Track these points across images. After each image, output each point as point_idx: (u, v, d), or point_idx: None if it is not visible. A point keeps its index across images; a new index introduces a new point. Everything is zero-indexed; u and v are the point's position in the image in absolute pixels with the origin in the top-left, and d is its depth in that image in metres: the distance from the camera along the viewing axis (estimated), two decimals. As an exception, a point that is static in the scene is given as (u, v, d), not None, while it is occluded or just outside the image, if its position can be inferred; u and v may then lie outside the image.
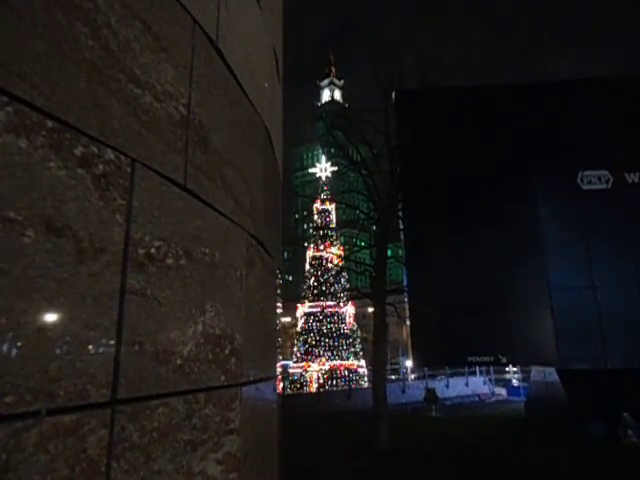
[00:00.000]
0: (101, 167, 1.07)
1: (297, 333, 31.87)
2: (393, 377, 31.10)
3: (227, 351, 1.52)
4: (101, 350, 1.01)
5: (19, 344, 0.85)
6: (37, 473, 0.85)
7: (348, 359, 29.58)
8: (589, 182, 15.37)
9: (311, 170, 36.20)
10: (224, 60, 1.70)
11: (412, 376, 33.19)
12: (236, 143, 1.76)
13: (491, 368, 33.26)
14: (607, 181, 15.31)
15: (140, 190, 1.18)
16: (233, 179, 1.69)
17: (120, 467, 1.03)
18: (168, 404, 1.21)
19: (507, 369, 33.63)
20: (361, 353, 30.87)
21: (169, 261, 1.27)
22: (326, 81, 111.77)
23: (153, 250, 1.21)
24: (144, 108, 1.24)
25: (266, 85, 2.29)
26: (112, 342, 1.04)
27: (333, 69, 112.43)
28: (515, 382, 31.56)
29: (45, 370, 0.89)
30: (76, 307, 0.97)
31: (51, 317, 0.91)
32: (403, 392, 27.79)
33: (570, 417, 14.17)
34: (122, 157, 1.13)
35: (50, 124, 0.96)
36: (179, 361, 1.27)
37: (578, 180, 15.38)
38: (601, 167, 15.35)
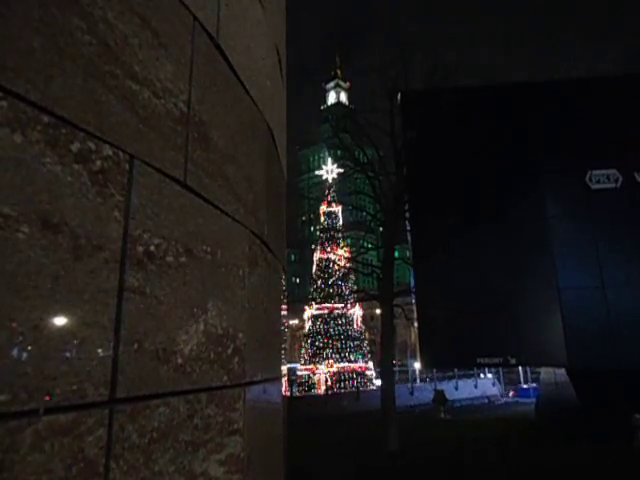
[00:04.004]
0: (98, 163, 1.05)
1: (304, 335, 31.87)
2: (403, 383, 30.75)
3: (230, 351, 1.50)
4: (99, 348, 1.00)
5: (14, 341, 0.83)
6: (33, 473, 0.84)
7: (356, 361, 29.51)
8: (598, 181, 15.23)
9: (317, 172, 36.25)
10: (225, 57, 1.69)
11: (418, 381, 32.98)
12: (238, 141, 1.74)
13: (500, 370, 33.05)
14: (616, 180, 15.16)
15: (139, 187, 1.17)
16: (235, 177, 1.67)
17: (119, 467, 1.01)
18: (169, 404, 1.19)
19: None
20: (369, 355, 30.79)
21: (169, 259, 1.25)
22: (332, 83, 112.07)
23: (152, 248, 1.19)
24: (143, 104, 1.22)
25: (269, 83, 2.28)
26: (110, 340, 1.03)
27: (339, 71, 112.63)
28: (524, 385, 31.31)
29: (41, 368, 0.87)
30: (73, 304, 0.95)
31: (47, 314, 0.90)
32: (412, 394, 27.70)
33: (581, 418, 14.01)
34: (120, 153, 1.12)
35: (46, 119, 0.94)
36: (180, 360, 1.25)
37: (587, 179, 15.24)
38: (610, 166, 15.20)
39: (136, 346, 1.10)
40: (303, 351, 31.01)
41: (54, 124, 0.96)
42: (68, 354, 0.93)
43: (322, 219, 33.84)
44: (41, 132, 0.93)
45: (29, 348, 0.86)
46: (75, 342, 0.95)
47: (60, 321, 0.92)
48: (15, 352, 0.84)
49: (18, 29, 0.91)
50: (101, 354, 1.00)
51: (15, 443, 0.82)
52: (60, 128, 0.97)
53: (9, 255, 0.84)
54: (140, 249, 1.15)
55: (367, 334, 33.35)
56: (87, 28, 1.06)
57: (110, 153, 1.09)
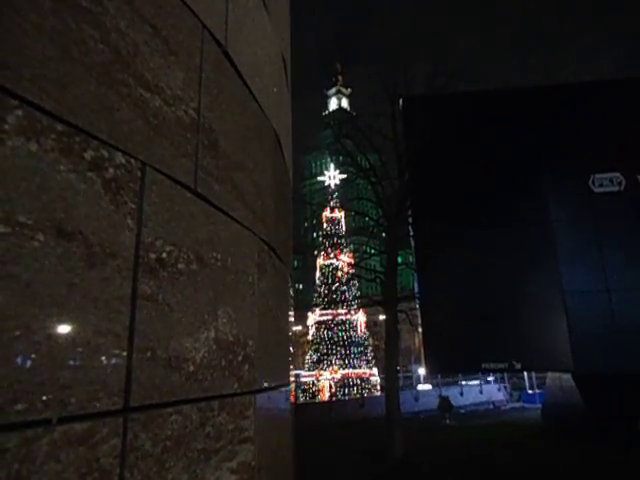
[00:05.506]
0: (111, 171, 1.06)
1: (308, 342, 31.74)
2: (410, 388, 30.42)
3: (240, 357, 1.50)
4: (113, 357, 0.99)
5: (29, 350, 0.83)
6: (49, 483, 0.83)
7: (360, 367, 29.36)
8: (601, 185, 15.19)
9: (320, 178, 36.26)
10: (233, 64, 1.69)
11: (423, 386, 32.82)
12: (246, 147, 1.75)
13: (505, 375, 32.86)
14: (619, 183, 15.12)
15: (151, 194, 1.17)
16: (243, 183, 1.68)
17: (133, 476, 1.01)
18: (181, 412, 1.19)
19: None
20: (373, 361, 30.65)
21: (180, 266, 1.25)
22: (333, 89, 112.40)
23: (164, 255, 1.19)
24: (154, 112, 1.23)
25: (275, 90, 2.28)
26: (124, 348, 1.02)
27: (340, 77, 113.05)
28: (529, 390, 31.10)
29: (56, 377, 0.87)
30: (87, 312, 0.95)
31: (61, 323, 0.89)
32: (416, 400, 27.53)
33: (588, 423, 13.90)
34: (132, 161, 1.12)
35: (60, 128, 0.95)
36: (192, 368, 1.24)
37: (590, 183, 15.20)
38: (613, 169, 15.17)
39: (149, 354, 1.10)
40: (307, 357, 30.90)
41: (68, 132, 0.96)
42: (82, 362, 0.93)
43: (325, 225, 33.81)
44: (55, 140, 0.93)
45: (44, 356, 0.86)
46: (89, 350, 0.95)
47: (75, 329, 0.92)
48: (30, 360, 0.83)
49: (32, 38, 0.92)
50: (115, 362, 1.00)
51: (31, 452, 0.81)
52: (74, 136, 0.97)
53: (25, 263, 0.84)
54: (152, 256, 1.15)
55: (371, 340, 33.21)
56: (100, 37, 1.07)
57: (123, 161, 1.09)
